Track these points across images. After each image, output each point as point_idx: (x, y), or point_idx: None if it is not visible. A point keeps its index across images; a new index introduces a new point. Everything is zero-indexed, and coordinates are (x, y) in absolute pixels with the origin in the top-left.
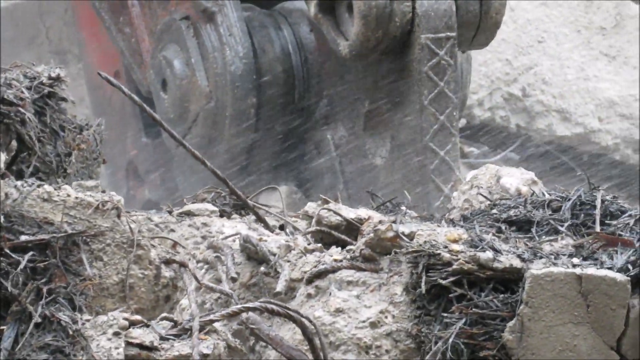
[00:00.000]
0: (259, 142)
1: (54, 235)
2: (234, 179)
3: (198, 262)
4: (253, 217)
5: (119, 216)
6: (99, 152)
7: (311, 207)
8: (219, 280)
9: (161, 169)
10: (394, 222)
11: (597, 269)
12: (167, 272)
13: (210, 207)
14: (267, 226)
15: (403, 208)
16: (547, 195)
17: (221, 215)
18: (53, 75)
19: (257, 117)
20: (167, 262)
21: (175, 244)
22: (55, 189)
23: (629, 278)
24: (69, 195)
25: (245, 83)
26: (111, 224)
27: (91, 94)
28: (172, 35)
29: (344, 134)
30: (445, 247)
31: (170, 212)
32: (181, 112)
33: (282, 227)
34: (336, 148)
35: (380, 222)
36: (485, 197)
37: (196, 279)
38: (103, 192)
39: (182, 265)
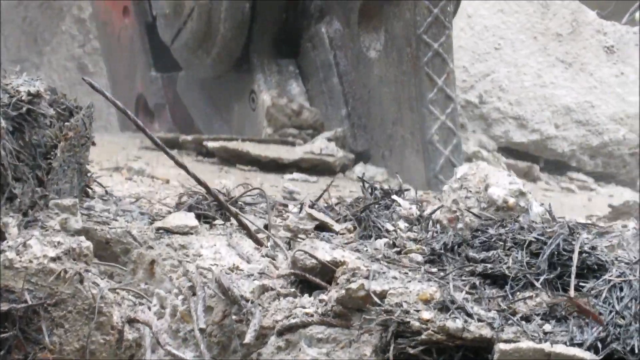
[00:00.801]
0: (254, 37)
1: (14, 306)
2: (231, 72)
3: (175, 287)
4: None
5: (81, 282)
6: (88, 136)
7: (293, 221)
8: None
9: (171, 102)
10: (367, 277)
11: (567, 345)
12: (130, 335)
13: (191, 221)
14: (249, 234)
15: (394, 197)
16: (532, 212)
17: (204, 217)
18: (32, 91)
19: (252, 12)
20: (131, 322)
21: (152, 262)
22: (17, 254)
23: (597, 358)
24: (31, 261)
25: None
26: (73, 291)
27: (100, 31)
28: None
29: (338, 27)
30: (417, 310)
31: (151, 222)
32: (176, 7)
33: (266, 227)
34: (331, 42)
35: (353, 274)
36: (473, 213)
37: (158, 342)
38: (72, 235)
39: (146, 324)
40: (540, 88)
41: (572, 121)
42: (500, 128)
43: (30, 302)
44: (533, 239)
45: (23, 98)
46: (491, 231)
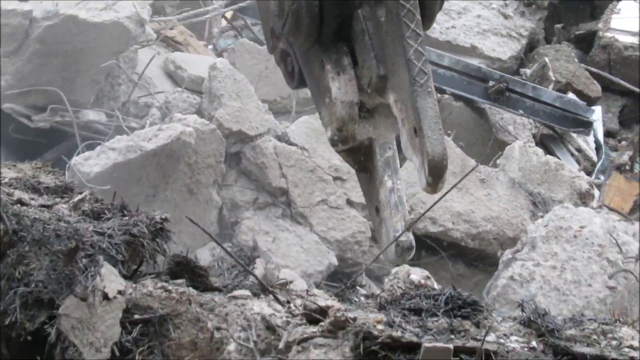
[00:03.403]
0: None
1: (153, 315)
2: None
3: (239, 326)
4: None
5: (190, 303)
6: None
7: (299, 284)
8: (250, 341)
9: None
10: (346, 310)
11: (462, 344)
12: (217, 335)
13: (247, 292)
14: (277, 301)
15: (358, 288)
16: (435, 288)
17: (254, 295)
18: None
19: (320, 13)
20: (218, 328)
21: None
22: (153, 287)
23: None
24: (161, 289)
25: None
26: (186, 308)
27: None
28: None
29: (366, 8)
30: (374, 325)
31: (223, 292)
32: (280, 11)
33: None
34: (363, 18)
35: (338, 310)
36: (403, 289)
37: (234, 339)
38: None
39: (227, 330)
40: (444, 202)
41: (462, 220)
42: (422, 224)
43: (161, 313)
44: (436, 293)
45: (158, 220)
46: (412, 293)
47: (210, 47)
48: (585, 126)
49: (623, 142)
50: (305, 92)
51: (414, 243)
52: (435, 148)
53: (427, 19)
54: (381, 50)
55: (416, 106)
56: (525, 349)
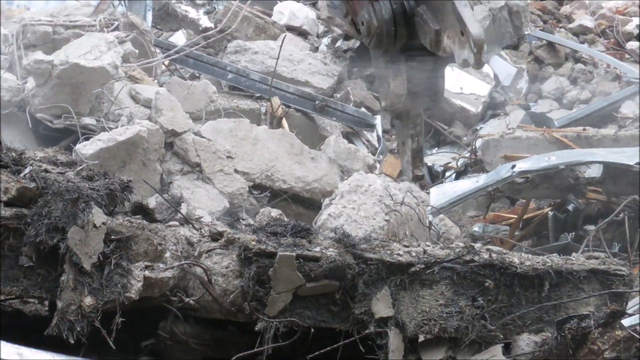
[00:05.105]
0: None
1: (122, 236)
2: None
3: (172, 243)
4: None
5: (143, 229)
6: None
7: (206, 218)
8: (178, 251)
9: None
10: (234, 233)
11: (300, 253)
12: (159, 247)
13: (177, 223)
14: (194, 228)
15: (241, 220)
16: (285, 220)
17: (181, 224)
18: (126, 180)
19: (395, 33)
20: (160, 243)
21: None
22: (122, 220)
23: (294, 254)
24: (127, 221)
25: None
26: (141, 232)
27: None
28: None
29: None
30: (250, 242)
31: (162, 222)
32: (368, 32)
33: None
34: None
35: (229, 234)
36: (267, 221)
37: (168, 250)
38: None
39: (166, 244)
40: (291, 170)
41: (301, 181)
42: (277, 183)
43: (127, 235)
44: (286, 223)
45: (124, 183)
46: (272, 223)
47: (155, 81)
48: (371, 127)
49: (392, 136)
50: (211, 107)
51: (426, 178)
52: (475, 30)
53: None
54: (434, 16)
55: (458, 12)
56: (337, 256)
